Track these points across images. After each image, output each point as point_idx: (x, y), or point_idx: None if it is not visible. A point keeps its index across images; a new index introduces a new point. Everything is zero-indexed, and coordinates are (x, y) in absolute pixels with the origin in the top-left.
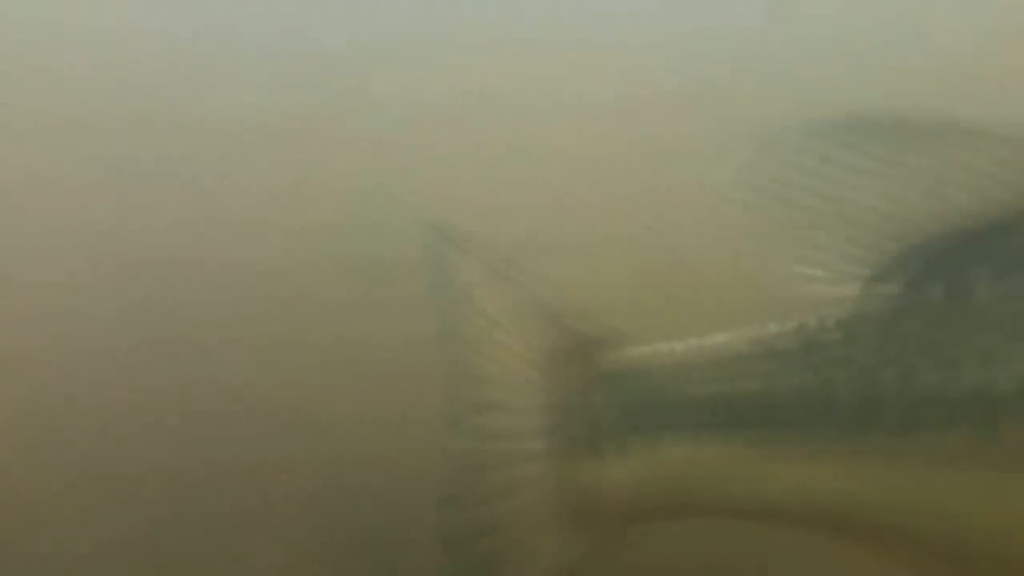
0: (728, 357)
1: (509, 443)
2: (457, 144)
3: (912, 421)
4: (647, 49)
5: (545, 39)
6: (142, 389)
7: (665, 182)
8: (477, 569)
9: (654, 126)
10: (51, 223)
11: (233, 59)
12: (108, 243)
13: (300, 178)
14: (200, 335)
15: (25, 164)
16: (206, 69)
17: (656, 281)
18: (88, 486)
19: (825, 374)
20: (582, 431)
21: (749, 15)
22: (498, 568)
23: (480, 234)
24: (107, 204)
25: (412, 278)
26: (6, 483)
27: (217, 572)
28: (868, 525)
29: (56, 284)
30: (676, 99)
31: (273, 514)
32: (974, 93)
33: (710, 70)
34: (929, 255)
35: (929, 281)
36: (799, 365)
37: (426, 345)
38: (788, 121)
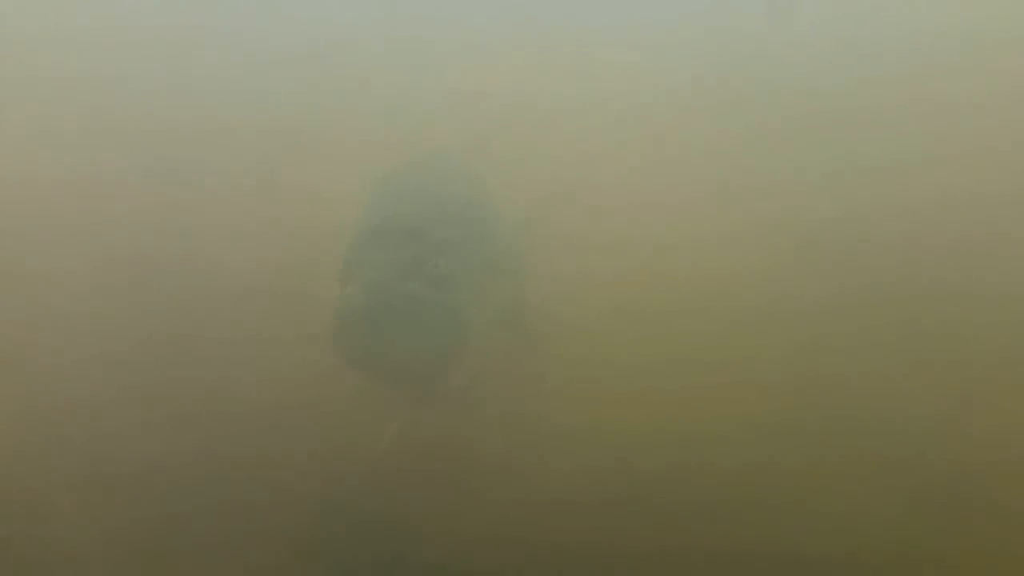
0: None
1: None
2: (457, 145)
3: None
4: (648, 51)
5: (546, 42)
6: (143, 388)
7: (666, 183)
8: None
9: (655, 127)
10: (52, 224)
11: (233, 60)
12: (109, 243)
13: (300, 178)
14: (201, 334)
15: (26, 166)
16: (206, 71)
17: (655, 281)
18: (89, 483)
19: None
20: None
21: (749, 18)
22: None
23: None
24: (108, 205)
25: None
26: (8, 481)
27: (218, 568)
28: None
29: (57, 285)
30: (677, 101)
31: (273, 510)
32: (972, 92)
33: (711, 73)
34: None
35: None
36: None
37: None
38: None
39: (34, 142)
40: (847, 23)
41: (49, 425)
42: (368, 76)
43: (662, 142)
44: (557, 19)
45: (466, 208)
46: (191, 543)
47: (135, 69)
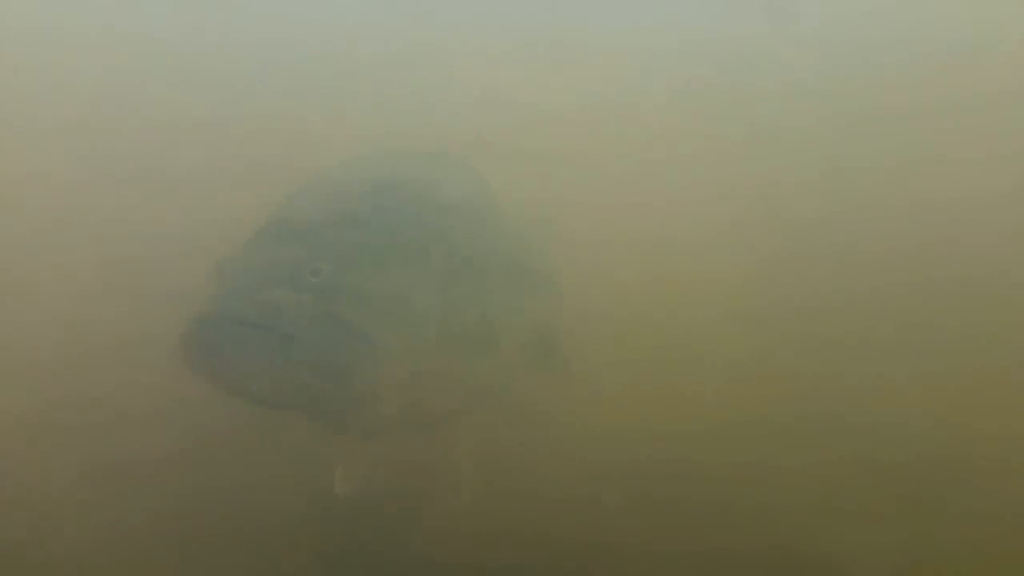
0: None
1: None
2: (458, 146)
3: None
4: (649, 53)
5: (549, 44)
6: (143, 387)
7: (666, 183)
8: None
9: (656, 127)
10: (53, 223)
11: (233, 61)
12: (109, 241)
13: (301, 177)
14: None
15: (27, 165)
16: (206, 71)
17: (654, 281)
18: (89, 483)
19: None
20: None
21: (750, 19)
22: None
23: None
24: (109, 204)
25: None
26: (9, 479)
27: (219, 565)
28: None
29: (57, 282)
30: (677, 101)
31: (275, 507)
32: (972, 92)
33: (712, 73)
34: None
35: None
36: None
37: None
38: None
39: (36, 141)
40: (848, 24)
41: (54, 423)
42: (367, 76)
43: (662, 143)
44: (557, 20)
45: (397, 211)
46: (192, 542)
47: (135, 68)
